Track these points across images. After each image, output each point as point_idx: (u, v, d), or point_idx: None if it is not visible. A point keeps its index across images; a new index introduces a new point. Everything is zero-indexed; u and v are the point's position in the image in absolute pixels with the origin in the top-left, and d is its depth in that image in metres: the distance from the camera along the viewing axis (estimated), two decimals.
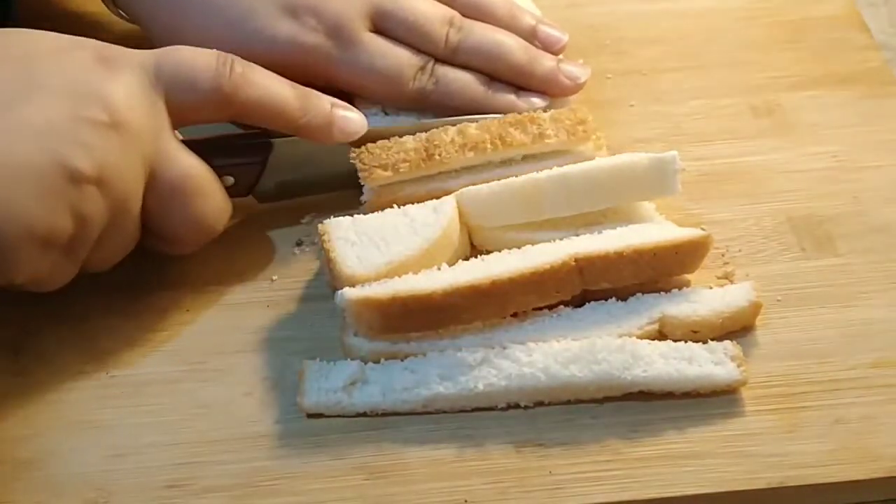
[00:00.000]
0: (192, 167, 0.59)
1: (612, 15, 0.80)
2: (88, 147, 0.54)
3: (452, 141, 0.64)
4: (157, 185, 0.58)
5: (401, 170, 0.64)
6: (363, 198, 0.66)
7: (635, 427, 0.56)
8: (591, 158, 0.65)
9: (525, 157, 0.66)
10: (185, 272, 0.64)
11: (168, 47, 0.60)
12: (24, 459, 0.56)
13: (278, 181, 0.65)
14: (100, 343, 0.60)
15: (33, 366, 0.60)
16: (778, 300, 0.62)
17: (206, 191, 0.60)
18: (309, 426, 0.57)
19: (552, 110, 0.67)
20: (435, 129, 0.65)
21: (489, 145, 0.64)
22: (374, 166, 0.64)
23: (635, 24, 0.80)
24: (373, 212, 0.63)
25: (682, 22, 0.80)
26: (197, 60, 0.60)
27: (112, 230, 0.57)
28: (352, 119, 0.64)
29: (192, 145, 0.60)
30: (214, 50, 0.60)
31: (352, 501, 0.54)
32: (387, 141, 0.65)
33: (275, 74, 0.62)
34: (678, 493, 0.54)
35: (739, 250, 0.65)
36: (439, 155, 0.64)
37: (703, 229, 0.62)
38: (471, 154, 0.64)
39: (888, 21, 0.84)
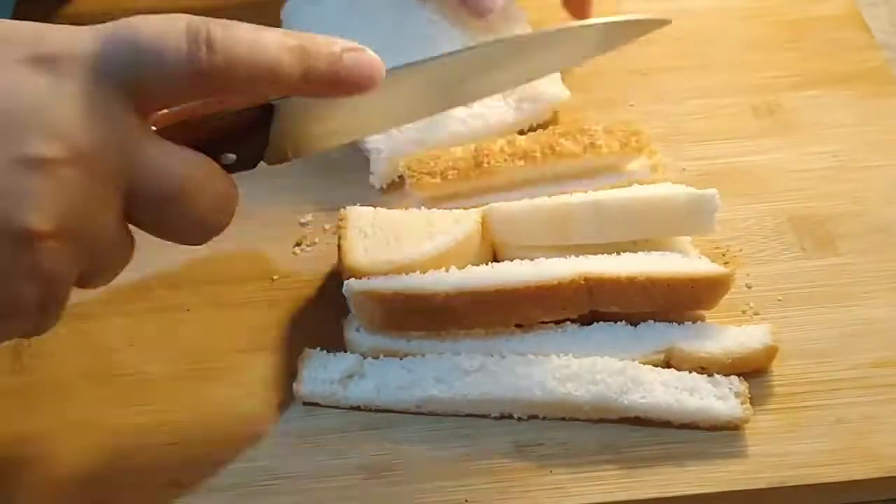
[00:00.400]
0: (179, 167, 0.48)
1: (611, 14, 0.79)
2: (37, 197, 0.43)
3: (501, 150, 0.64)
4: (141, 200, 0.47)
5: (449, 177, 0.63)
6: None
7: (635, 427, 0.56)
8: (644, 178, 0.64)
9: (579, 174, 0.65)
10: (185, 272, 0.64)
11: (122, 21, 0.47)
12: (24, 459, 0.56)
13: (288, 142, 0.55)
14: (100, 343, 0.60)
15: (34, 365, 0.60)
16: (779, 300, 0.62)
17: (203, 186, 0.49)
18: (309, 426, 0.57)
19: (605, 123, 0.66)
20: (484, 140, 0.65)
21: (539, 154, 0.64)
22: (423, 173, 0.63)
23: None
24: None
25: (683, 22, 0.79)
26: (163, 36, 0.46)
27: (93, 267, 0.48)
28: (363, 62, 0.50)
29: (177, 131, 0.50)
30: (182, 15, 0.47)
31: (352, 501, 0.54)
32: (436, 151, 0.65)
33: (262, 27, 0.49)
34: (678, 493, 0.54)
35: (740, 250, 0.65)
36: (488, 163, 0.63)
37: (725, 265, 0.61)
38: (520, 163, 0.64)
39: (888, 21, 0.84)
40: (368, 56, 0.50)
